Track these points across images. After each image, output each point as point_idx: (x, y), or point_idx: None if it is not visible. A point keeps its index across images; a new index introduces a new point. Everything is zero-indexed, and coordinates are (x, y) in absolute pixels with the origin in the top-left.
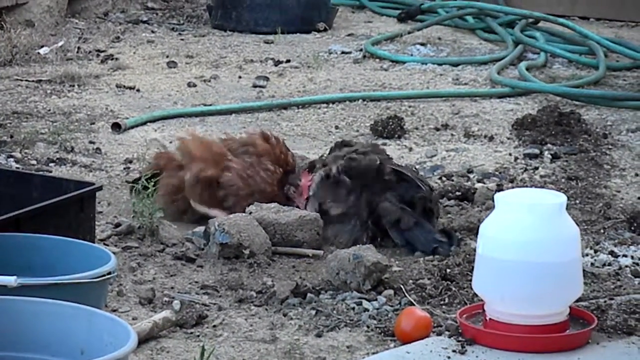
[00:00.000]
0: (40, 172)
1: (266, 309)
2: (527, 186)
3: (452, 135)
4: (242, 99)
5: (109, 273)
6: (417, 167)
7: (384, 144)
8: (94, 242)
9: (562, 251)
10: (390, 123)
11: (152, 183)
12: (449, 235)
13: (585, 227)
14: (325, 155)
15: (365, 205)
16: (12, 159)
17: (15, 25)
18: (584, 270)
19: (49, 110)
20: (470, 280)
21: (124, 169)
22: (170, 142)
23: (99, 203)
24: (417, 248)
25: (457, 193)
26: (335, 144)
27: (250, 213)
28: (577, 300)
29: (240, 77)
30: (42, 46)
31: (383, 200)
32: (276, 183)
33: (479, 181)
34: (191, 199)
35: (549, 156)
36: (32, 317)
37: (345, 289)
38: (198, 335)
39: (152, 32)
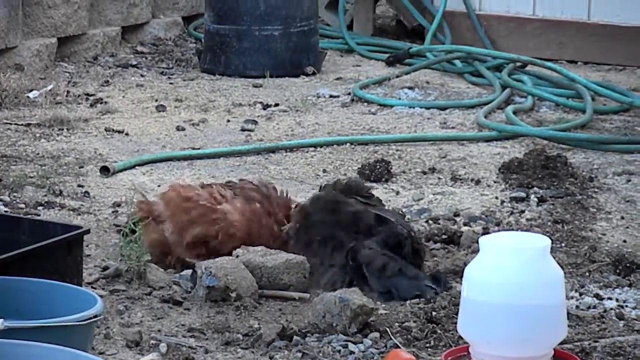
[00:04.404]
0: (29, 216)
1: (252, 352)
2: (513, 229)
3: (439, 178)
4: (230, 143)
5: (96, 316)
6: (404, 210)
7: (371, 188)
8: (81, 286)
9: (547, 294)
10: (378, 167)
11: (140, 227)
12: (437, 280)
13: (571, 270)
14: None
15: (345, 254)
16: (0, 203)
17: (4, 69)
18: (568, 313)
19: (38, 153)
20: (456, 323)
21: (112, 212)
22: (159, 186)
23: (87, 246)
24: (398, 295)
25: (444, 236)
26: (320, 187)
27: (237, 256)
28: (562, 343)
29: (228, 120)
30: (32, 90)
31: (364, 247)
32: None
33: (465, 224)
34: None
35: (536, 199)
36: None
37: (332, 332)
38: None
39: (142, 76)
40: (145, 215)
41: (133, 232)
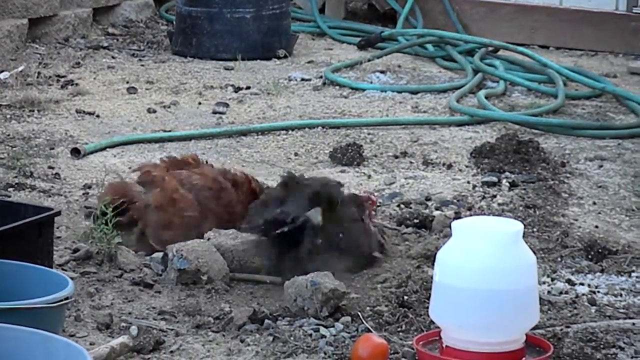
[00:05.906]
0: None
1: (223, 335)
2: (485, 214)
3: (410, 162)
4: (201, 125)
5: (66, 298)
6: (376, 194)
7: (343, 171)
8: (52, 267)
9: (519, 279)
10: (349, 150)
11: (111, 209)
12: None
13: (543, 255)
14: None
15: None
16: None
17: None
18: (540, 298)
19: (8, 135)
20: (428, 308)
21: (83, 194)
22: (130, 168)
23: (57, 228)
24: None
25: (415, 220)
26: None
27: (209, 239)
28: (534, 328)
29: (200, 103)
30: (2, 71)
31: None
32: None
33: (437, 209)
34: None
35: (507, 184)
36: None
37: (303, 316)
38: None
39: (113, 57)
40: (117, 198)
41: (104, 214)
